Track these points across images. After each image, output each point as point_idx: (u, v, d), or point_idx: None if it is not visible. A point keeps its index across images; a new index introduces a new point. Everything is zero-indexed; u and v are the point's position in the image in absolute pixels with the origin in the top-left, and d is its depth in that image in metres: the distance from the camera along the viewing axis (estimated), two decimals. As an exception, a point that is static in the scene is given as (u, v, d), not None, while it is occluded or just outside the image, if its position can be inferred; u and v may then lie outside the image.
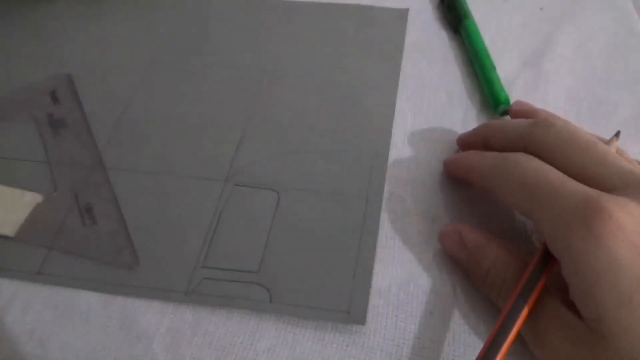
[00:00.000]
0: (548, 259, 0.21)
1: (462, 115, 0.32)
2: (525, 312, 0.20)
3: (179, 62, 0.36)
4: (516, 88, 0.33)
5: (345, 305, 0.24)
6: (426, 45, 0.36)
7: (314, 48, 0.36)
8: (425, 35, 0.37)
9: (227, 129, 0.31)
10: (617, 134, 0.27)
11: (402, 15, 0.38)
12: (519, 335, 0.20)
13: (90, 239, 0.27)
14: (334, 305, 0.24)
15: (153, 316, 0.25)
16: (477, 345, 0.23)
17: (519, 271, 0.22)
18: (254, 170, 0.29)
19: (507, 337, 0.19)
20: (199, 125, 0.32)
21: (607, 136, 0.31)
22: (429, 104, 0.33)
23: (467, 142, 0.29)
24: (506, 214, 0.27)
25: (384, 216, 0.27)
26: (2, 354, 0.23)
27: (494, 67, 0.33)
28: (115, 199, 0.28)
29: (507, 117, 0.31)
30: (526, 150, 0.24)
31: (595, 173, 0.21)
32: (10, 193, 0.29)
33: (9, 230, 0.27)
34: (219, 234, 0.27)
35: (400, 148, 0.30)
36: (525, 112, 0.29)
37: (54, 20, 0.39)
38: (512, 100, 0.31)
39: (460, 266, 0.25)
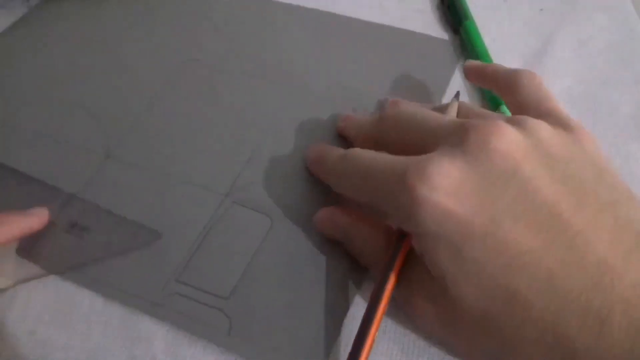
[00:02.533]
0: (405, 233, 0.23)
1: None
2: (392, 279, 0.22)
3: (212, 66, 0.35)
4: (516, 88, 0.33)
5: (306, 354, 0.23)
6: (426, 46, 0.36)
7: (345, 68, 0.35)
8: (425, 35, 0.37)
9: (240, 142, 0.31)
10: (457, 95, 0.28)
11: (447, 48, 0.36)
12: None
13: (97, 244, 0.26)
14: (292, 352, 0.23)
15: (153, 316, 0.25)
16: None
17: (388, 243, 0.23)
18: (255, 190, 0.28)
19: (380, 304, 0.21)
20: (215, 133, 0.31)
21: (607, 137, 0.31)
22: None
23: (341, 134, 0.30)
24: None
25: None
26: (3, 354, 0.23)
27: (494, 68, 0.33)
28: (96, 205, 0.28)
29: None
30: (376, 144, 0.25)
31: (416, 140, 0.23)
32: None
33: (3, 282, 0.26)
34: (202, 250, 0.26)
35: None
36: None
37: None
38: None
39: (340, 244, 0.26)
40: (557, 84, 0.34)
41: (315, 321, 0.24)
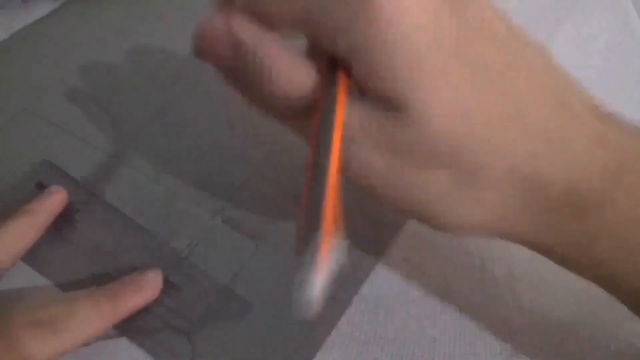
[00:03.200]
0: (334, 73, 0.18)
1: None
2: (339, 117, 0.17)
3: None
4: (516, 89, 0.33)
5: None
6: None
7: None
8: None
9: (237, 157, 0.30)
10: None
11: None
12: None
13: (187, 305, 0.24)
14: None
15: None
16: (478, 346, 0.23)
17: (314, 83, 0.18)
18: (248, 210, 0.27)
19: (331, 151, 0.17)
20: (215, 145, 0.30)
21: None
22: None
23: None
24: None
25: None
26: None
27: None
28: (192, 263, 0.26)
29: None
30: None
31: None
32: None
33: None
34: (180, 268, 0.25)
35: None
36: None
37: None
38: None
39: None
40: (557, 84, 0.34)
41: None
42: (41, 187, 0.28)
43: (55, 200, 0.26)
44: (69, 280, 0.25)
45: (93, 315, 0.22)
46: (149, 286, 0.24)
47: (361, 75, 0.17)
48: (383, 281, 0.25)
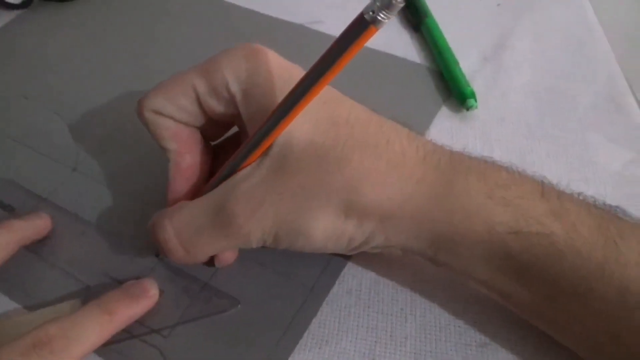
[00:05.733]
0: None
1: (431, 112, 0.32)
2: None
3: None
4: (477, 83, 0.33)
5: None
6: (388, 45, 0.36)
7: None
8: (386, 34, 0.37)
9: None
10: None
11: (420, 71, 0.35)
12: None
13: (163, 310, 0.24)
14: None
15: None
16: (448, 339, 0.23)
17: None
18: None
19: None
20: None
21: (568, 128, 0.31)
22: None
23: None
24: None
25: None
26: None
27: (457, 63, 0.34)
28: (169, 264, 0.25)
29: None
30: None
31: None
32: (45, 314, 0.24)
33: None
34: (158, 271, 0.25)
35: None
36: None
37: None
38: (477, 95, 0.32)
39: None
40: (516, 77, 0.34)
41: None
42: (3, 206, 0.28)
43: (39, 225, 0.26)
44: (48, 298, 0.24)
45: (90, 330, 0.21)
46: (145, 294, 0.23)
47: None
48: (352, 282, 0.25)
